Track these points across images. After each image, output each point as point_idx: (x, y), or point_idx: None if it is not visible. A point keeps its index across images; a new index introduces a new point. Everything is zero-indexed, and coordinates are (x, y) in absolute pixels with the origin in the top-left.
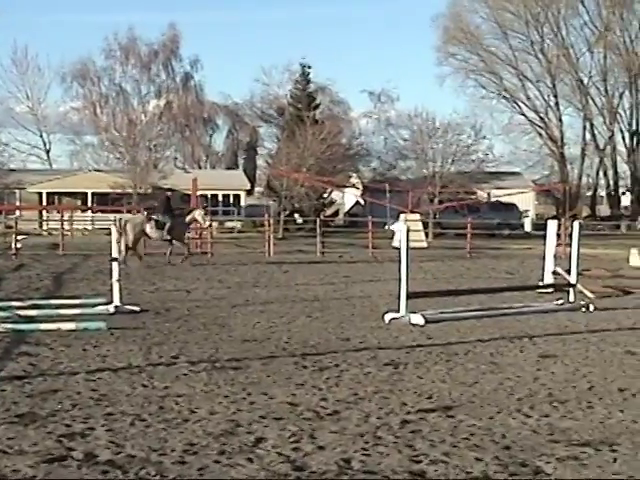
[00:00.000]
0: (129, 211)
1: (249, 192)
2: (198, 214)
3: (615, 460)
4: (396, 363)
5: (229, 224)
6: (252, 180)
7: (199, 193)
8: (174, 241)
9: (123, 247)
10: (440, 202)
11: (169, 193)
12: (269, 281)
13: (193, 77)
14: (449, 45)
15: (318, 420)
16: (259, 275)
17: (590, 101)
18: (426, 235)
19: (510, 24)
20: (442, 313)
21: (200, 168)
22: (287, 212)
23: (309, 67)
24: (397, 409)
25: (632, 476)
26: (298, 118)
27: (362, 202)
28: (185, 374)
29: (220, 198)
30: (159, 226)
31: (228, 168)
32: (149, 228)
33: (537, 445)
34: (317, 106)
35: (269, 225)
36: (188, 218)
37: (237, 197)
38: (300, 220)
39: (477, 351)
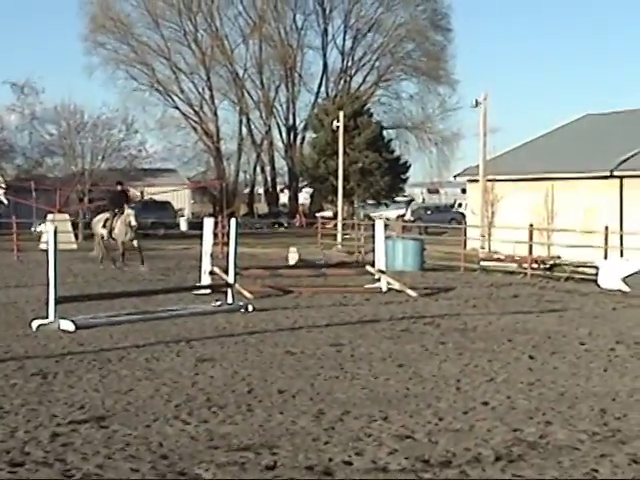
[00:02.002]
0: None
1: None
2: (128, 214)
3: (275, 463)
4: (45, 373)
5: None
6: None
7: None
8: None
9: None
10: (90, 201)
11: (119, 187)
12: None
13: None
14: (98, 34)
15: None
16: None
17: (246, 94)
18: (76, 236)
19: (162, 13)
20: (94, 318)
21: None
22: None
23: None
24: (46, 422)
25: (292, 477)
26: None
27: (5, 202)
28: None
29: None
30: (105, 225)
31: None
32: (99, 227)
33: (196, 452)
34: None
35: None
36: (122, 217)
37: None
38: None
39: (132, 357)
